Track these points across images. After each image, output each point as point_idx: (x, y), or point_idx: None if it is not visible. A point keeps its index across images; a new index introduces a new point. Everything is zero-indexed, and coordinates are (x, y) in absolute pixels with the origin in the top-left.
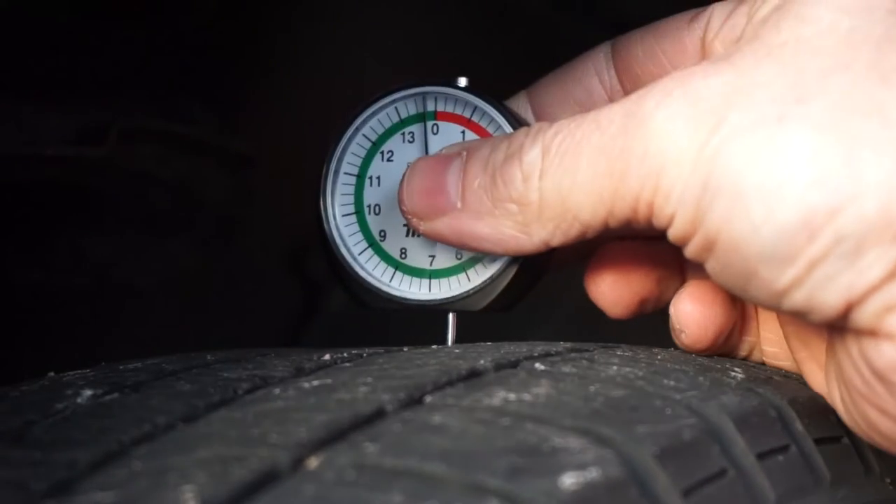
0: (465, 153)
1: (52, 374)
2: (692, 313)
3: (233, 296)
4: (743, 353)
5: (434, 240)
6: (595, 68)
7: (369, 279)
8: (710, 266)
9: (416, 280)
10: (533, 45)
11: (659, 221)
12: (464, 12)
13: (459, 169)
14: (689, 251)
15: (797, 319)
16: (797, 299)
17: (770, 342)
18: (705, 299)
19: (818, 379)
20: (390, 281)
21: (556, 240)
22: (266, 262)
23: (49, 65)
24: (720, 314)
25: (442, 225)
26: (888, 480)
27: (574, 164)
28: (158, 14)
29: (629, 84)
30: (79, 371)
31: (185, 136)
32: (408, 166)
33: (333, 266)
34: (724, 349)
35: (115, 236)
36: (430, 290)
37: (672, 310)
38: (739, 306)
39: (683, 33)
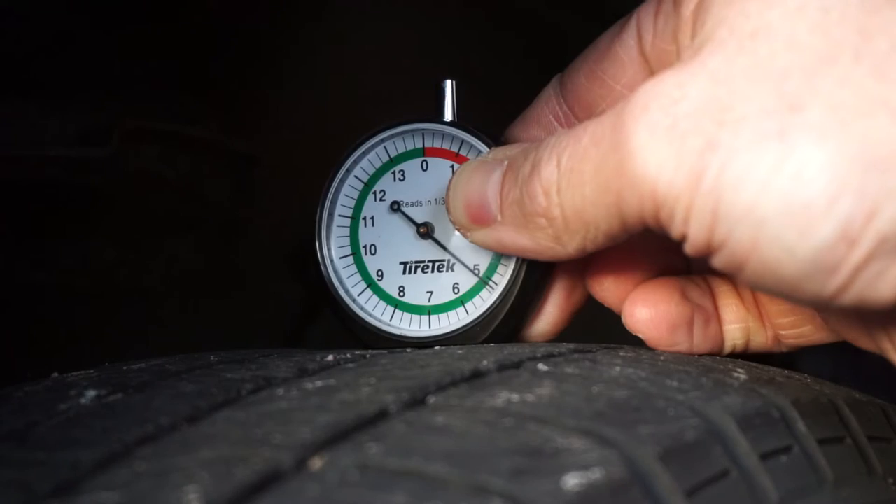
0: (505, 163)
1: (55, 374)
2: (640, 317)
3: (236, 296)
4: (739, 341)
5: (481, 247)
6: (549, 108)
7: (369, 319)
8: (745, 278)
9: (415, 317)
10: (533, 44)
11: (673, 235)
12: (464, 12)
13: (498, 181)
14: (717, 265)
15: None
16: (848, 300)
17: (780, 314)
18: (648, 300)
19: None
20: (390, 319)
21: (590, 247)
22: (269, 263)
23: (52, 65)
24: (668, 311)
25: (484, 236)
26: (891, 481)
27: (580, 179)
28: (161, 15)
29: (583, 113)
30: (82, 371)
31: (189, 137)
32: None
33: (333, 307)
34: (704, 342)
35: (119, 237)
36: (430, 325)
37: (623, 317)
38: (693, 298)
39: (616, 48)
